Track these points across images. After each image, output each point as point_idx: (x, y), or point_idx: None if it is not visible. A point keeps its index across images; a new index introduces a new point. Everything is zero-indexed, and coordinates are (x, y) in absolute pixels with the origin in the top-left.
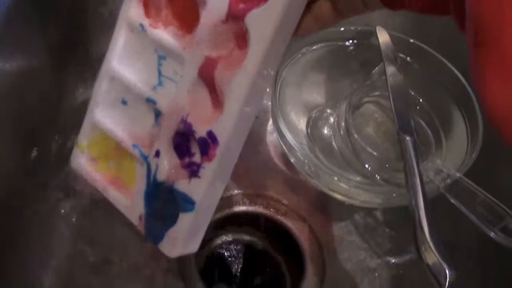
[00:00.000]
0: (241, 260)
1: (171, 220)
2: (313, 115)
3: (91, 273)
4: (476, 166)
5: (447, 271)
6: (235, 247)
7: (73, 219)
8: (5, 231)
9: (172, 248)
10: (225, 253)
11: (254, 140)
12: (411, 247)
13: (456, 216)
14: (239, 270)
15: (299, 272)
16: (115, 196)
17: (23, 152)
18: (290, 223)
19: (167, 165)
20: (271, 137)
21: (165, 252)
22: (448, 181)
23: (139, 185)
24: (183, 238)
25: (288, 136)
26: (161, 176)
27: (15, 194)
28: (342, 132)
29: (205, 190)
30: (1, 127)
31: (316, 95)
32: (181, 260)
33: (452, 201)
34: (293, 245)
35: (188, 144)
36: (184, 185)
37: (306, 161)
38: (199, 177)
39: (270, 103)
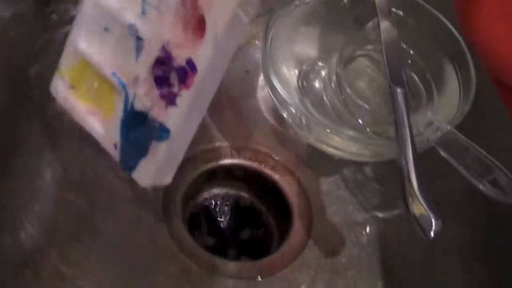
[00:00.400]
0: (228, 214)
1: (146, 149)
2: (305, 68)
3: (76, 218)
4: (467, 121)
5: (433, 221)
6: (222, 200)
7: (58, 164)
8: None
9: (145, 177)
10: (212, 206)
11: (244, 95)
12: (400, 202)
13: (445, 172)
14: (226, 223)
15: (286, 225)
16: (93, 125)
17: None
18: (278, 177)
19: (144, 94)
20: (261, 92)
21: (138, 181)
22: (439, 133)
23: (117, 114)
24: (157, 168)
25: (280, 89)
26: (138, 105)
27: None
28: (333, 85)
29: (181, 119)
30: None
31: (308, 49)
32: (167, 211)
33: (442, 153)
34: (280, 198)
35: (167, 74)
36: (160, 114)
37: (297, 113)
38: (176, 105)
39: (259, 56)
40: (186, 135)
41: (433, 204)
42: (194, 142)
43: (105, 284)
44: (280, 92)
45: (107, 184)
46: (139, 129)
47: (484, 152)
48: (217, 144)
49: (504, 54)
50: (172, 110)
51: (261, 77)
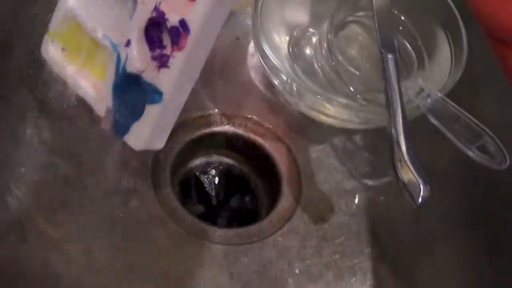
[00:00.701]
0: (218, 181)
1: (138, 112)
2: (295, 34)
3: (64, 183)
4: (457, 88)
5: (421, 187)
6: (211, 167)
7: (46, 129)
8: None
9: (138, 140)
10: (201, 174)
11: (234, 62)
12: (389, 171)
13: (434, 141)
14: (215, 191)
15: (275, 192)
16: (85, 88)
17: None
18: (268, 145)
19: (137, 56)
20: (252, 60)
21: (130, 145)
22: (429, 100)
23: (109, 77)
24: (150, 131)
25: (270, 56)
26: (130, 66)
27: None
28: (324, 52)
29: (174, 81)
30: None
31: (299, 15)
32: (156, 178)
33: (431, 120)
34: (270, 166)
35: (160, 35)
36: (153, 76)
37: (288, 80)
38: (168, 67)
39: (250, 22)
40: (179, 99)
41: (422, 170)
42: (184, 109)
43: (93, 249)
44: (271, 58)
45: (96, 150)
46: (132, 92)
47: (473, 119)
48: (207, 111)
49: (503, 12)
50: (165, 73)
51: (252, 45)
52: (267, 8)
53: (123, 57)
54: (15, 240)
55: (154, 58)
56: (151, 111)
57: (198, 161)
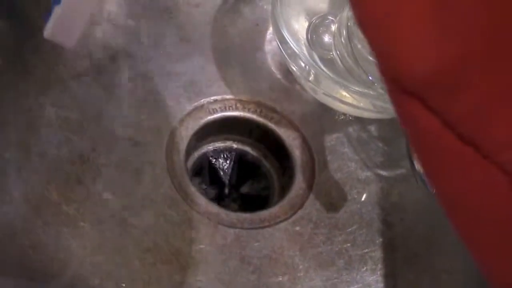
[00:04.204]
0: (231, 166)
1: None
2: (314, 21)
3: (78, 160)
4: None
5: None
6: (225, 152)
7: (61, 104)
8: None
9: (49, 27)
10: (214, 159)
11: (251, 48)
12: (403, 162)
13: None
14: (228, 176)
15: (288, 179)
16: None
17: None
18: (282, 131)
19: None
20: (269, 46)
21: (44, 32)
22: None
23: None
24: (59, 19)
25: (289, 41)
26: None
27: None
28: (343, 40)
29: None
30: None
31: (318, 2)
32: (171, 161)
33: None
34: (284, 153)
35: None
36: None
37: (307, 66)
38: None
39: (270, 8)
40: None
41: None
42: (200, 93)
43: (106, 226)
44: (290, 44)
45: (111, 128)
46: None
47: None
48: (222, 96)
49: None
50: None
51: (270, 31)
52: None
53: None
54: (30, 213)
55: None
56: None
57: (212, 146)
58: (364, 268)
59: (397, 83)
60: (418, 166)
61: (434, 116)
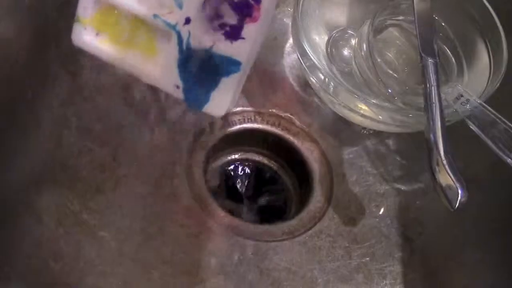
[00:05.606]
0: (248, 178)
1: (213, 82)
2: (334, 35)
3: (98, 170)
4: (496, 96)
5: (459, 191)
6: (243, 164)
7: (84, 114)
8: (17, 121)
9: (220, 108)
10: (233, 170)
11: (270, 61)
12: (421, 176)
13: (468, 146)
14: (245, 188)
15: (306, 192)
16: (137, 68)
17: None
18: (300, 144)
19: (199, 31)
20: (288, 59)
21: (212, 113)
22: (468, 106)
23: (169, 54)
24: (230, 98)
25: (310, 53)
26: (195, 42)
27: (21, 89)
28: (363, 54)
29: (250, 50)
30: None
31: (338, 16)
32: (190, 172)
33: (470, 125)
34: (302, 165)
35: (218, 6)
36: (226, 48)
37: (326, 79)
38: (243, 38)
39: (288, 22)
40: (251, 61)
41: (460, 175)
42: None
43: (125, 236)
44: (310, 56)
45: (132, 138)
46: (201, 65)
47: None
48: (241, 108)
49: None
50: (240, 44)
51: (288, 44)
52: (308, 8)
53: (184, 34)
54: (51, 223)
55: (216, 29)
56: (230, 80)
57: (230, 157)
58: (384, 283)
59: None
60: (440, 179)
61: None
